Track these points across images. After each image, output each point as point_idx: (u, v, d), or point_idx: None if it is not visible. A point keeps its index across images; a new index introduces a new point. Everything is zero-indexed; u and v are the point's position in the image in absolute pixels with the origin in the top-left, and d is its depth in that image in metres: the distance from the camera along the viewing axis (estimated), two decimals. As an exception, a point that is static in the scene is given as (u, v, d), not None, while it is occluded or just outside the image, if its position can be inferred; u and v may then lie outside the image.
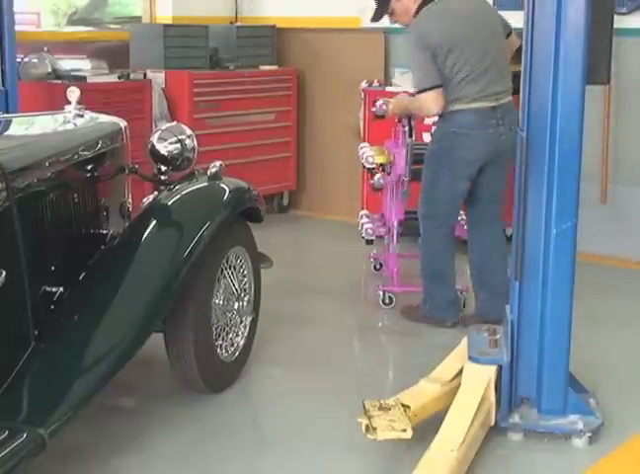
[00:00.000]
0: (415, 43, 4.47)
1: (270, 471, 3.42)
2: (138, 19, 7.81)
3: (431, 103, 4.46)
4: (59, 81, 6.11)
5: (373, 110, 5.05)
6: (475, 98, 4.45)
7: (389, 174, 5.20)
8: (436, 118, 4.79)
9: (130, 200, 4.22)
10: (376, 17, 4.76)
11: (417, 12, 4.53)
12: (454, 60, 4.43)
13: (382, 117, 5.02)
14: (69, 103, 4.05)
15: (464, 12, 4.54)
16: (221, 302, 3.86)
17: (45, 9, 11.11)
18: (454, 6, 4.54)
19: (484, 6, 4.73)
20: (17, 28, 5.57)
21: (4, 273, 2.97)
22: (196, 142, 4.19)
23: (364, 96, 6.48)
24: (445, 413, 3.40)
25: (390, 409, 3.39)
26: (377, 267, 5.70)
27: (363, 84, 6.55)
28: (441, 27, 4.46)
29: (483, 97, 4.45)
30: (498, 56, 4.55)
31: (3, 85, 5.40)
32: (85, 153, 3.73)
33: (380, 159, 5.28)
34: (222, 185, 3.96)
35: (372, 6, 4.78)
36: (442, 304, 4.71)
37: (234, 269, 3.98)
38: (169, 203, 3.81)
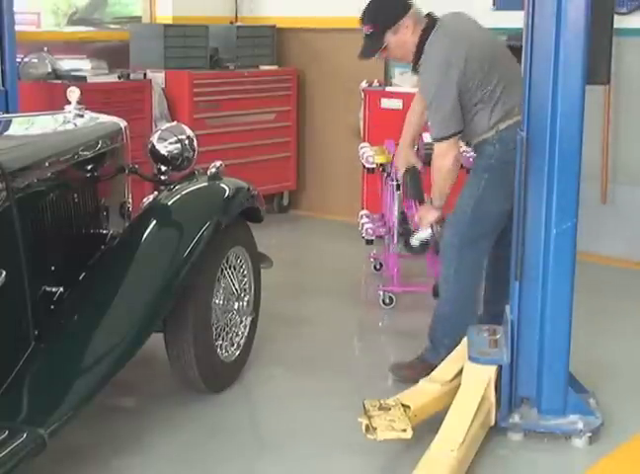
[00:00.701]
0: (440, 69, 3.88)
1: (269, 471, 3.42)
2: (138, 19, 7.82)
3: (449, 154, 3.92)
4: (59, 81, 6.11)
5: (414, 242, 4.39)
6: (518, 111, 3.81)
7: (389, 175, 5.20)
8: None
9: (130, 200, 4.22)
10: (368, 53, 4.11)
11: (419, 44, 3.98)
12: (490, 75, 3.93)
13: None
14: (69, 103, 4.05)
15: (472, 30, 4.10)
16: (221, 302, 3.86)
17: (45, 9, 11.11)
18: (462, 27, 4.06)
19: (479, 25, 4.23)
20: (17, 28, 5.57)
21: (4, 273, 2.97)
22: (196, 142, 4.19)
23: (364, 96, 6.48)
24: (445, 413, 3.40)
25: (390, 409, 3.39)
26: (377, 267, 5.70)
27: (363, 84, 6.55)
28: (464, 44, 3.91)
29: (519, 110, 3.79)
30: (515, 67, 4.01)
31: (3, 85, 5.40)
32: (85, 153, 3.73)
33: (380, 159, 5.28)
34: (222, 185, 3.96)
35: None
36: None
37: (234, 269, 3.98)
38: (169, 203, 3.82)
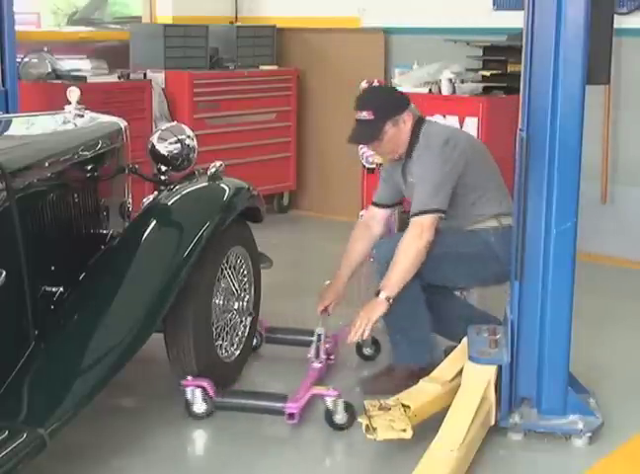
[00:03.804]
0: (442, 148, 3.80)
1: (270, 471, 3.43)
2: (138, 19, 7.83)
3: (425, 233, 3.72)
4: (59, 81, 6.12)
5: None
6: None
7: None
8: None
9: (130, 200, 4.22)
10: (361, 140, 4.06)
11: (412, 136, 3.88)
12: (493, 168, 3.99)
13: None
14: (69, 103, 4.06)
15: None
16: (221, 302, 3.86)
17: (45, 9, 11.12)
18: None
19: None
20: (17, 28, 5.57)
21: (4, 273, 2.97)
22: (195, 142, 4.20)
23: (365, 96, 6.47)
24: (445, 413, 3.40)
25: (390, 409, 3.40)
26: (377, 267, 5.68)
27: (363, 84, 6.54)
28: (461, 133, 3.98)
29: None
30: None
31: (3, 85, 5.41)
32: (85, 153, 3.73)
33: (380, 159, 5.27)
34: (222, 185, 3.96)
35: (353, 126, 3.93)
36: (421, 344, 3.91)
37: (234, 269, 3.98)
38: (169, 203, 3.82)
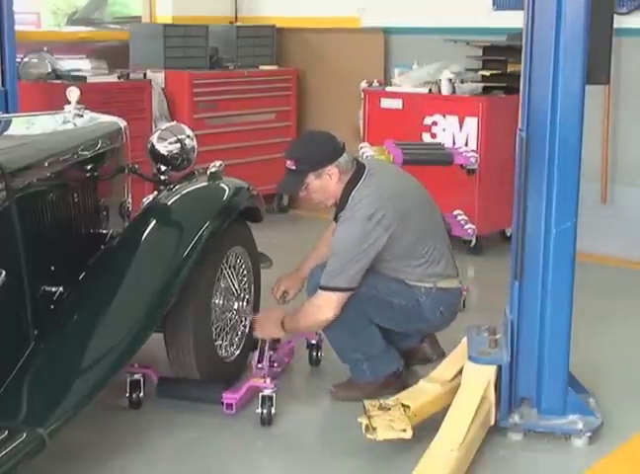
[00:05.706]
0: (364, 224, 3.61)
1: (270, 471, 3.43)
2: (138, 19, 7.83)
3: (327, 309, 3.64)
4: (59, 81, 6.12)
5: None
6: (457, 275, 3.93)
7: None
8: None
9: (130, 200, 4.22)
10: (287, 190, 4.06)
11: (344, 193, 3.74)
12: (431, 230, 3.84)
13: None
14: (69, 103, 4.06)
15: (399, 182, 3.87)
16: (221, 302, 3.86)
17: (45, 9, 11.12)
18: (390, 181, 3.81)
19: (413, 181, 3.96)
20: (17, 28, 5.58)
21: (4, 273, 2.97)
22: (195, 142, 4.20)
23: (364, 96, 6.49)
24: (445, 413, 3.40)
25: (390, 409, 3.40)
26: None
27: (363, 84, 6.55)
28: (395, 201, 3.68)
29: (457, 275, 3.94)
30: (437, 218, 3.96)
31: (3, 85, 5.41)
32: (85, 153, 3.73)
33: (380, 159, 5.28)
34: (222, 185, 3.96)
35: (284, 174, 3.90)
36: (381, 355, 3.87)
37: (234, 269, 3.98)
38: (169, 203, 3.82)
